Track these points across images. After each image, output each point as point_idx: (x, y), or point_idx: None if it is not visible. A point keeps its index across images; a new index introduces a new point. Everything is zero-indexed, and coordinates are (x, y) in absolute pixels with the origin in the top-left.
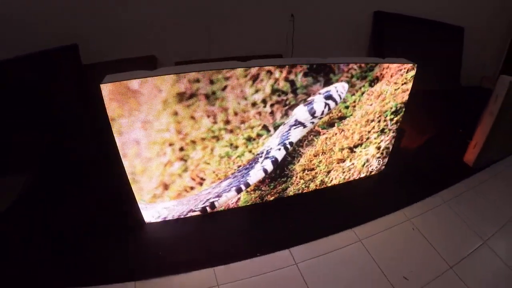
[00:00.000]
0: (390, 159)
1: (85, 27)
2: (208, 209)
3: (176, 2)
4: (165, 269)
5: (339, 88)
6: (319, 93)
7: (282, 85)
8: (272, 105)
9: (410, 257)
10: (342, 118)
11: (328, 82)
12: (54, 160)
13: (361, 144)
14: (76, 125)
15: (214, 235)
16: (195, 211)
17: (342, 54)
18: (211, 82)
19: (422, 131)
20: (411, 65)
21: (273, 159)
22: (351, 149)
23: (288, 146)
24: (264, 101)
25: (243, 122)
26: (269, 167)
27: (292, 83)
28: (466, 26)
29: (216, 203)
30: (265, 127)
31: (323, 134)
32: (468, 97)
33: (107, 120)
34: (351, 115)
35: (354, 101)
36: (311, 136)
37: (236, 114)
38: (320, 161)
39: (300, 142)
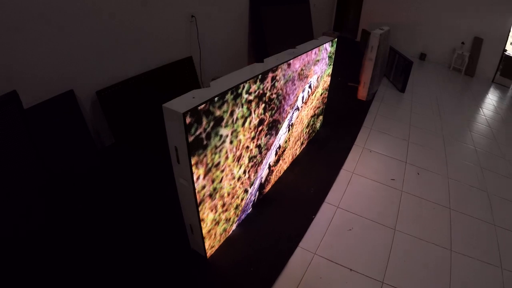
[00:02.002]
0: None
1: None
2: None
3: (84, 33)
4: (270, 276)
5: (313, 79)
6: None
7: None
8: (248, 171)
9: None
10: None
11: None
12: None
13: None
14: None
15: (264, 233)
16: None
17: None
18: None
19: None
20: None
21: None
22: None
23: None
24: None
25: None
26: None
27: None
28: None
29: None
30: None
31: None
32: None
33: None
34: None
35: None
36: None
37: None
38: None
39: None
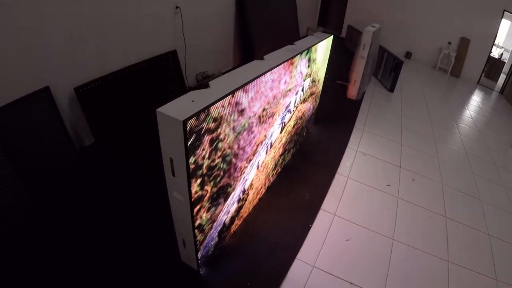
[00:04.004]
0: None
1: None
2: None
3: (61, 23)
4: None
5: (306, 83)
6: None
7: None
8: None
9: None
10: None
11: None
12: None
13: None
14: None
15: (260, 244)
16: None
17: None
18: None
19: None
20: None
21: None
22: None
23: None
24: None
25: None
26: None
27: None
28: None
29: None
30: None
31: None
32: None
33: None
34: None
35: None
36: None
37: None
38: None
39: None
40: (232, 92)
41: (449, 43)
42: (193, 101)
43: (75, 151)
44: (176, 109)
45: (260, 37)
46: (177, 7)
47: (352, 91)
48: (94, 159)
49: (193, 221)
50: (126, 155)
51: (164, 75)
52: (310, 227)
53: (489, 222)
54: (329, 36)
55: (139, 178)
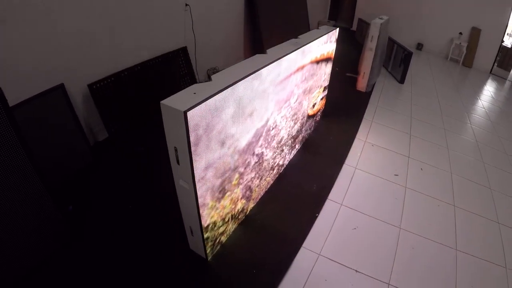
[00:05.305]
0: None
1: None
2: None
3: (74, 21)
4: (273, 279)
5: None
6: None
7: None
8: None
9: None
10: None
11: None
12: None
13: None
14: None
15: (267, 233)
16: None
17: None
18: None
19: None
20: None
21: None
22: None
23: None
24: None
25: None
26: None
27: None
28: None
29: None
30: None
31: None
32: None
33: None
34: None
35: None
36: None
37: None
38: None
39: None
40: (232, 85)
41: (460, 33)
42: (195, 93)
43: (89, 146)
44: (179, 101)
45: (269, 31)
46: (186, 5)
47: (362, 83)
48: (107, 153)
49: (199, 209)
50: (139, 149)
51: (176, 71)
52: (317, 216)
53: (499, 211)
54: (334, 30)
55: (150, 171)
